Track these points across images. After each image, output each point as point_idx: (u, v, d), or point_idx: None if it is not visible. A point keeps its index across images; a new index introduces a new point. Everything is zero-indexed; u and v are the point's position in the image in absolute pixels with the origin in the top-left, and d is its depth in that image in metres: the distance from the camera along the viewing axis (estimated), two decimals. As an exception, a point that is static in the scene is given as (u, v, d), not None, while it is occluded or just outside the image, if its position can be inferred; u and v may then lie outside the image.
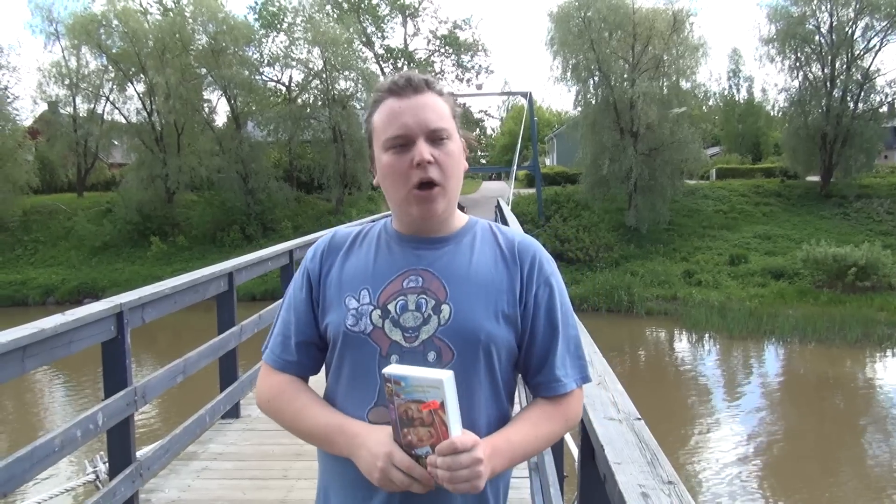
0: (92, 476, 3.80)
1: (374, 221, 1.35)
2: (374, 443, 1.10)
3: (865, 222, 24.92)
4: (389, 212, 1.29)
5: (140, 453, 3.41)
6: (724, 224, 25.49)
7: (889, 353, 16.32)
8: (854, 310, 18.33)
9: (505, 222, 11.99)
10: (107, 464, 3.46)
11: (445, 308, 1.16)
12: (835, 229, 24.24)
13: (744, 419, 11.83)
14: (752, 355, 16.62)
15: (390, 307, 1.18)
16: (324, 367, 1.31)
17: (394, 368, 1.06)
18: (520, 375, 1.30)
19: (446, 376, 1.02)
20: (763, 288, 20.73)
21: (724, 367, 15.90)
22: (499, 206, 18.76)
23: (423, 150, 1.15)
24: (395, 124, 1.17)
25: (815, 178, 27.60)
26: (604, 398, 1.71)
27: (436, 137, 1.17)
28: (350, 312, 1.20)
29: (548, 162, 45.54)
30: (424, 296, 1.18)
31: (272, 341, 1.30)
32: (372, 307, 1.19)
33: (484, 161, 52.28)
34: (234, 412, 4.80)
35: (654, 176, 24.63)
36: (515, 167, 31.80)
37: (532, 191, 29.72)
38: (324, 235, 1.33)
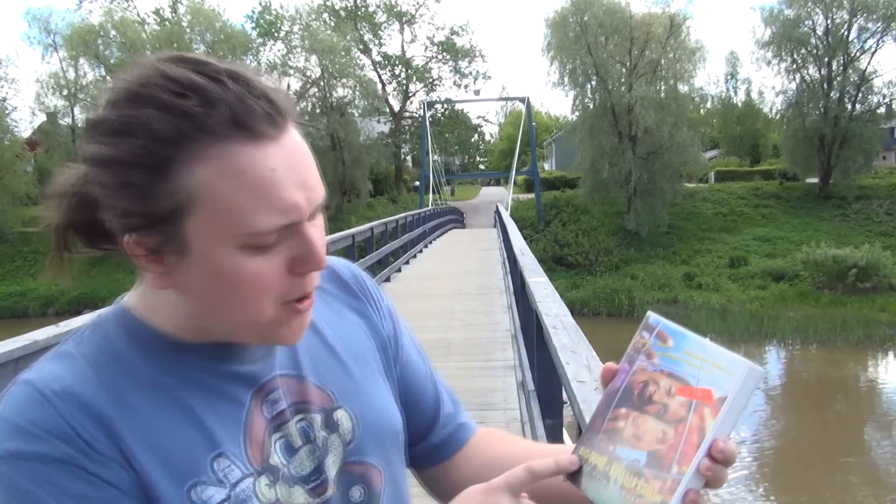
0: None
1: (81, 341, 0.68)
2: None
3: (865, 223, 24.91)
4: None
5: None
6: (724, 227, 25.48)
7: (891, 353, 16.28)
8: (855, 311, 18.29)
9: (504, 227, 12.00)
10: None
11: (341, 415, 0.75)
12: (834, 231, 24.22)
13: (746, 422, 11.78)
14: (754, 358, 16.55)
15: (273, 460, 0.69)
16: None
17: (660, 318, 0.67)
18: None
19: (754, 367, 0.60)
20: (763, 290, 20.70)
21: (726, 370, 15.85)
22: (498, 212, 18.79)
23: (321, 245, 0.65)
24: (273, 205, 0.60)
25: (814, 180, 27.61)
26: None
27: (316, 213, 0.66)
28: None
29: (546, 167, 45.60)
30: (303, 417, 0.72)
31: None
32: (252, 476, 0.67)
33: (483, 167, 52.33)
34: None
35: (654, 179, 24.66)
36: (514, 172, 31.82)
37: (531, 196, 29.72)
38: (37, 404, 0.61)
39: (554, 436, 3.11)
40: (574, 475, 0.63)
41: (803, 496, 9.11)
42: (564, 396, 2.62)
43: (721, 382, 0.60)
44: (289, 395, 0.72)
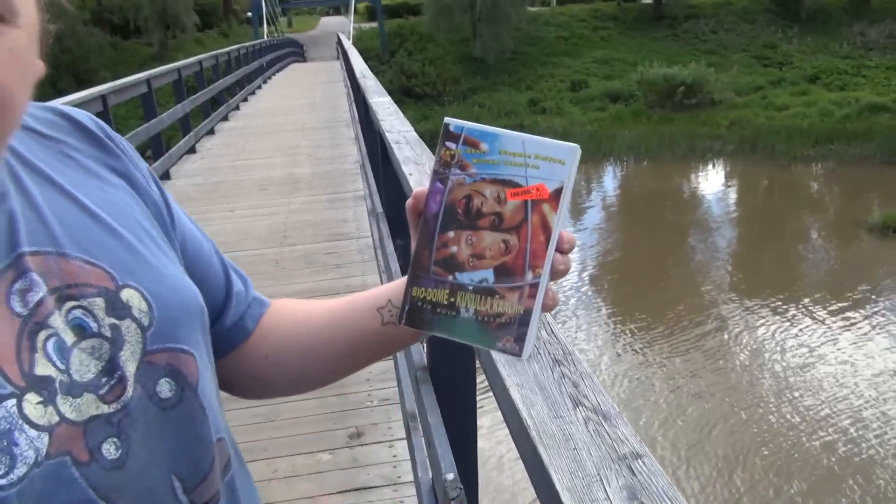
0: None
1: None
2: None
3: (692, 42, 26.20)
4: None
5: None
6: (566, 51, 25.86)
7: (710, 164, 17.89)
8: (681, 127, 19.70)
9: (347, 59, 11.39)
10: None
11: (130, 295, 0.53)
12: (666, 51, 25.32)
13: (586, 236, 12.70)
14: (593, 177, 17.63)
15: (42, 370, 0.47)
16: None
17: (462, 121, 0.56)
18: None
19: (576, 147, 0.56)
20: (602, 112, 21.63)
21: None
22: (340, 42, 17.78)
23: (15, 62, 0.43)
24: None
25: (649, 0, 28.32)
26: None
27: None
28: None
29: (389, -7, 43.32)
30: (76, 304, 0.50)
31: None
32: (13, 398, 0.45)
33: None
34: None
35: (498, 3, 24.18)
36: (355, -1, 29.98)
37: (374, 24, 28.37)
38: None
39: (404, 255, 3.10)
40: (414, 318, 0.54)
41: (633, 293, 10.15)
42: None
43: (551, 174, 0.54)
44: (48, 279, 0.49)
